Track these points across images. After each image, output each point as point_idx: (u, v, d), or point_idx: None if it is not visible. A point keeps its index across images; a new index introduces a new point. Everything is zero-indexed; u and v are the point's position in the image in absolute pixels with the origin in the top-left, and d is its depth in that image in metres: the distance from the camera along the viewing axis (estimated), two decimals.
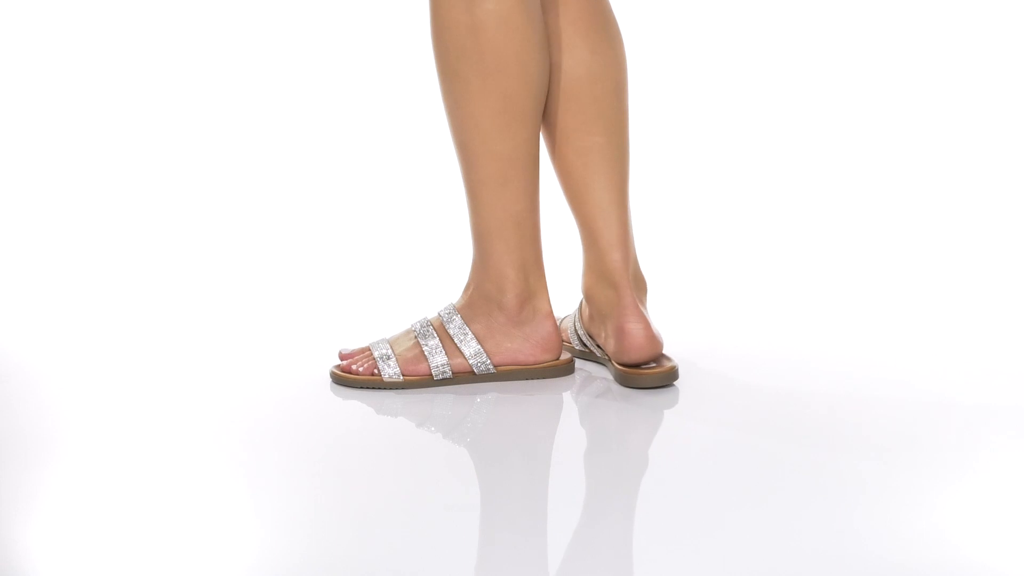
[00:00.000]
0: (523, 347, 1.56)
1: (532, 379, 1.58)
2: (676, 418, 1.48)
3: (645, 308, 1.58)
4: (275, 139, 3.08)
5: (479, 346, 1.55)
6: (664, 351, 1.57)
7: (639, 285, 1.59)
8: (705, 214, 2.65)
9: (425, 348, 1.56)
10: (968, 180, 2.76)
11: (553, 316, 1.59)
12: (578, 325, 1.64)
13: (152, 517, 1.21)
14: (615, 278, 1.56)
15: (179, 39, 3.22)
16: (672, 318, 1.80)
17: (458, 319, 1.57)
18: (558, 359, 1.59)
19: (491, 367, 1.56)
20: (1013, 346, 1.75)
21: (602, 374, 1.61)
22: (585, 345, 1.65)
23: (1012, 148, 2.87)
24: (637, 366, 1.54)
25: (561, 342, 1.60)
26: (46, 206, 2.78)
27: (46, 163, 3.00)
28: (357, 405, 1.54)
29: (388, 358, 1.56)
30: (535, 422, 1.47)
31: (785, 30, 3.19)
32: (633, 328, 1.53)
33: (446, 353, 1.56)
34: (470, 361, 1.56)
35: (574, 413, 1.52)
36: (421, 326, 1.58)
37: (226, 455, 1.39)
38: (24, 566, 1.10)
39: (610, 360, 1.58)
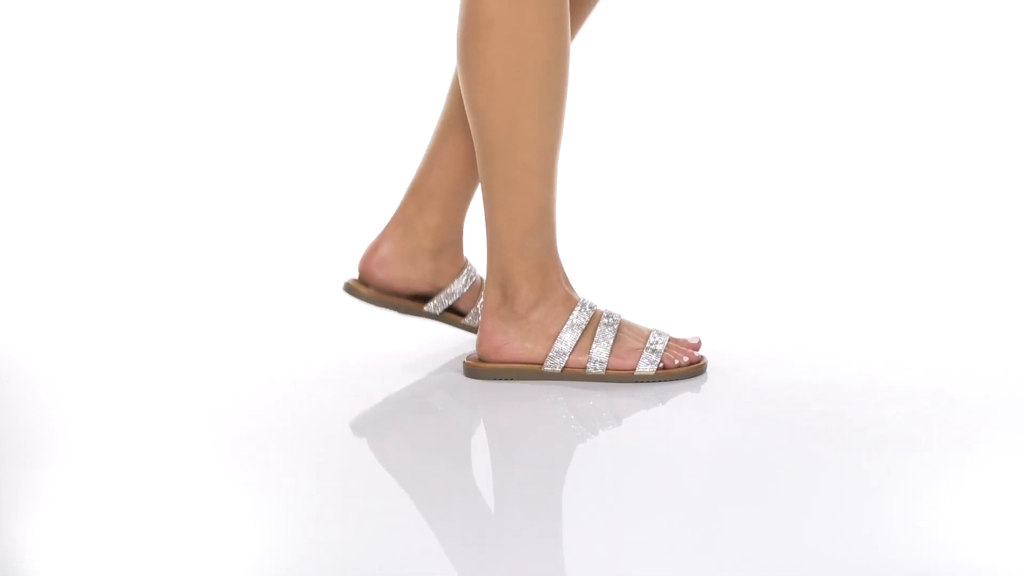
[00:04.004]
0: None
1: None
2: (675, 416, 1.48)
3: (498, 315, 1.58)
4: (275, 138, 3.08)
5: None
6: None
7: (504, 288, 1.58)
8: (706, 213, 2.65)
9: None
10: (968, 179, 2.76)
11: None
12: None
13: (152, 517, 1.20)
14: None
15: (178, 39, 3.22)
16: (675, 316, 1.80)
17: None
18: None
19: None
20: (1015, 343, 1.75)
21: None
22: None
23: (1012, 148, 2.87)
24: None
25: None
26: (46, 206, 2.78)
27: (46, 163, 3.01)
28: (357, 402, 1.54)
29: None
30: (537, 420, 1.47)
31: (787, 31, 3.20)
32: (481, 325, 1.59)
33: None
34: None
35: (575, 411, 1.52)
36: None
37: (226, 454, 1.39)
38: (24, 566, 1.10)
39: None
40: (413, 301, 1.67)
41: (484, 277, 1.64)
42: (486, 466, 1.37)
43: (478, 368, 1.59)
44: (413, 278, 1.66)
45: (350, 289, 1.67)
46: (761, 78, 3.16)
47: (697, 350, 1.59)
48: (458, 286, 1.67)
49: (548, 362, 1.57)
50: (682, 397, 1.52)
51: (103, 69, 3.19)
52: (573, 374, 1.57)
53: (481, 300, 1.68)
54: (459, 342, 1.72)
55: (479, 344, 1.59)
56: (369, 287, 1.66)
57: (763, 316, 1.91)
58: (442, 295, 1.67)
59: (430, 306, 1.67)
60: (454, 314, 1.69)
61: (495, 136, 1.52)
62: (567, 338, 1.56)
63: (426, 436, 1.46)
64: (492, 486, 1.30)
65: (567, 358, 1.57)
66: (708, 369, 1.60)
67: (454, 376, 1.61)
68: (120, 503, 1.24)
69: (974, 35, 3.12)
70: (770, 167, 2.91)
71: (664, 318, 1.72)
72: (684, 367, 1.57)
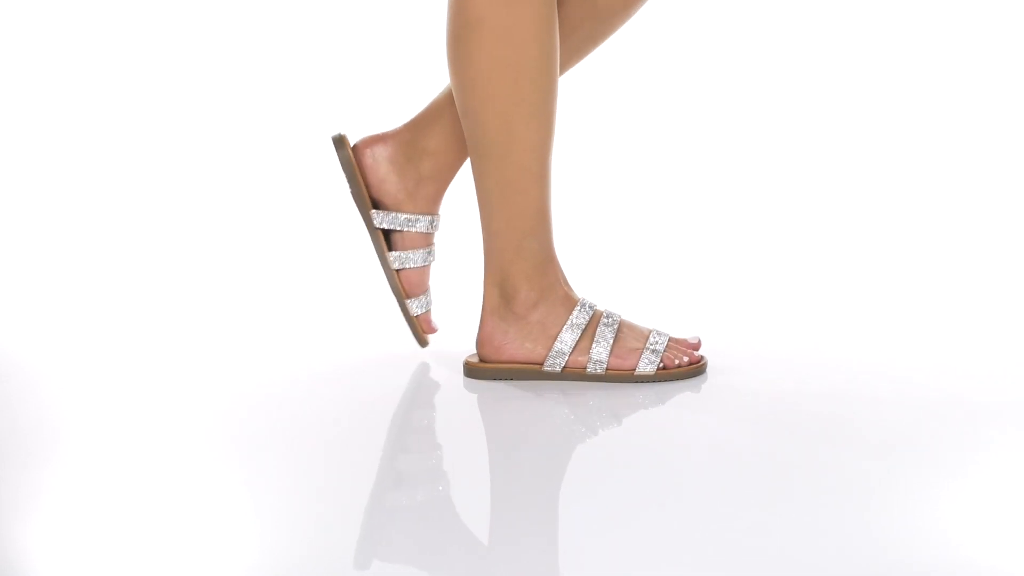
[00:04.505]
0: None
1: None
2: (675, 416, 1.48)
3: (498, 315, 1.59)
4: (274, 138, 3.08)
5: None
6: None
7: (503, 289, 1.59)
8: (706, 214, 2.65)
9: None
10: (967, 181, 2.76)
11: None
12: None
13: (152, 517, 1.21)
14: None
15: (179, 39, 3.22)
16: (675, 316, 1.80)
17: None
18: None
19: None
20: (1016, 345, 1.75)
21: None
22: None
23: (1012, 149, 2.87)
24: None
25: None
26: (46, 206, 2.78)
27: (46, 163, 3.01)
28: (357, 402, 1.54)
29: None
30: (537, 420, 1.47)
31: (785, 31, 3.20)
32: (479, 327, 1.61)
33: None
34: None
35: (575, 411, 1.52)
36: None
37: (225, 454, 1.39)
38: (24, 566, 1.10)
39: None
40: (371, 198, 1.66)
41: (435, 244, 1.68)
42: (486, 466, 1.37)
43: (478, 368, 1.59)
44: (389, 184, 1.65)
45: (339, 140, 1.66)
46: (759, 79, 3.16)
47: (697, 350, 1.59)
48: (414, 222, 1.65)
49: (548, 362, 1.57)
50: (682, 397, 1.52)
51: (101, 69, 3.19)
52: (573, 374, 1.57)
53: (417, 250, 1.66)
54: (459, 342, 1.72)
55: (479, 344, 1.59)
56: (353, 157, 1.66)
57: (763, 316, 1.91)
58: (393, 215, 1.65)
59: (376, 215, 1.65)
60: (385, 240, 1.67)
61: (489, 137, 1.51)
62: (567, 338, 1.56)
63: (426, 436, 1.46)
64: (492, 486, 1.30)
65: (567, 358, 1.57)
66: (708, 369, 1.60)
67: (454, 376, 1.62)
68: (120, 503, 1.24)
69: (974, 35, 3.13)
70: (770, 167, 2.91)
71: (664, 318, 1.73)
72: (684, 367, 1.57)
